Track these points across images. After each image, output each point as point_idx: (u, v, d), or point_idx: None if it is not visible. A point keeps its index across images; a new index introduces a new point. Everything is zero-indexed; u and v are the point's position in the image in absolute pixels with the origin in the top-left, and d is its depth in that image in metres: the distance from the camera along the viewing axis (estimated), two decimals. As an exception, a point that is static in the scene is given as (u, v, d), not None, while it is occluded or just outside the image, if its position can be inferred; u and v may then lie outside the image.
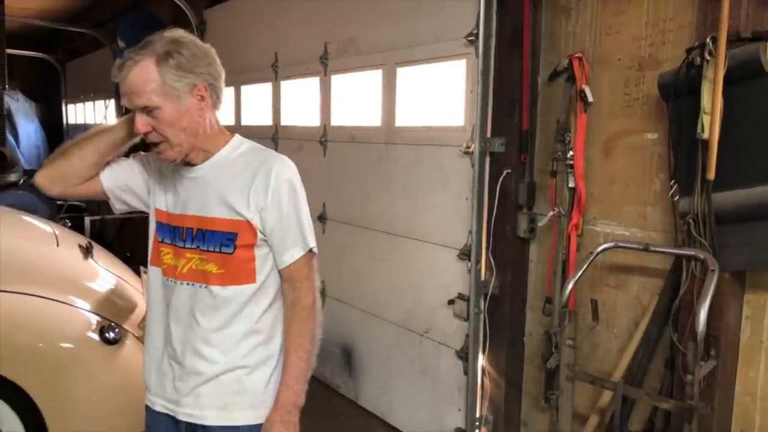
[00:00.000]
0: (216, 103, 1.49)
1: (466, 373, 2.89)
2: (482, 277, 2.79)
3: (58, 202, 5.53)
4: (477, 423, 2.86)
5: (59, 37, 9.07)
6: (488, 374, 2.85)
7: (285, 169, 1.50)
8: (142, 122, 1.42)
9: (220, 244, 1.47)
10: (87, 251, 2.92)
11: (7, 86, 5.39)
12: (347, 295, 3.69)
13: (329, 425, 3.44)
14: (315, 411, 3.51)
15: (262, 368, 1.53)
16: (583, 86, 2.46)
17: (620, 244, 2.27)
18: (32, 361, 2.36)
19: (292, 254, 1.49)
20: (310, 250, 1.52)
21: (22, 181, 4.92)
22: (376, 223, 3.40)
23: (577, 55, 2.47)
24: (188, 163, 1.51)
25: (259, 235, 1.48)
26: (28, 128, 7.77)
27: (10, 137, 6.61)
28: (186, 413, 1.53)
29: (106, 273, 2.87)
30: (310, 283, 1.52)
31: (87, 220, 5.33)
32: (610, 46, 2.43)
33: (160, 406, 1.58)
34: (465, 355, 2.88)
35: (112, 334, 2.44)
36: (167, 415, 1.56)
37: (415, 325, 3.19)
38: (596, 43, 2.48)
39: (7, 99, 6.38)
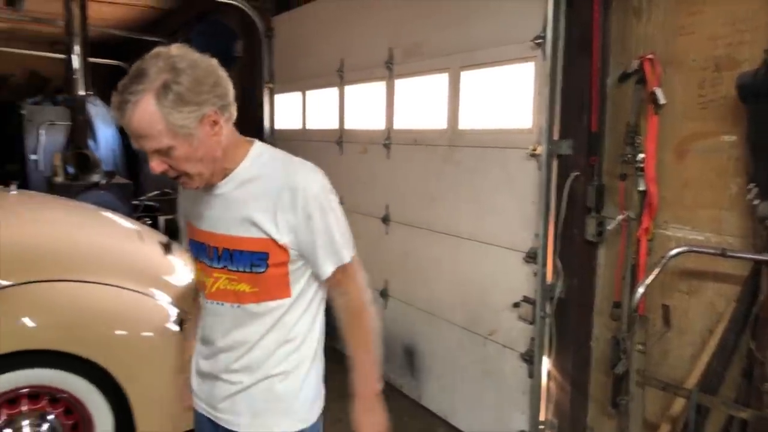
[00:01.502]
0: (230, 118, 1.39)
1: (530, 376, 2.88)
2: (548, 281, 2.78)
3: (134, 202, 5.84)
4: (542, 427, 2.85)
5: (133, 45, 9.55)
6: (553, 378, 2.84)
7: (310, 182, 1.40)
8: (156, 163, 1.33)
9: (251, 264, 1.41)
10: (167, 248, 3.09)
11: (88, 92, 5.73)
12: (410, 296, 3.73)
13: (392, 424, 3.49)
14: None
15: (294, 374, 1.51)
16: (655, 88, 2.42)
17: (694, 249, 2.23)
18: (118, 348, 2.51)
19: (329, 268, 1.45)
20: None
21: (103, 181, 5.23)
22: (440, 225, 3.44)
23: (648, 56, 2.44)
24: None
25: (291, 252, 1.42)
26: (106, 132, 8.17)
27: (89, 141, 6.99)
28: (223, 419, 1.54)
29: (183, 269, 3.02)
30: (357, 283, 1.51)
31: (161, 219, 5.60)
32: (684, 47, 2.38)
33: (201, 408, 1.61)
34: (530, 358, 2.87)
35: (189, 327, 2.58)
36: (208, 418, 1.59)
37: (479, 327, 3.21)
38: (669, 43, 2.43)
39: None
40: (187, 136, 1.31)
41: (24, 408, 2.42)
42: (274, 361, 1.48)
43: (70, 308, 2.54)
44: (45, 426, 2.45)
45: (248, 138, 1.48)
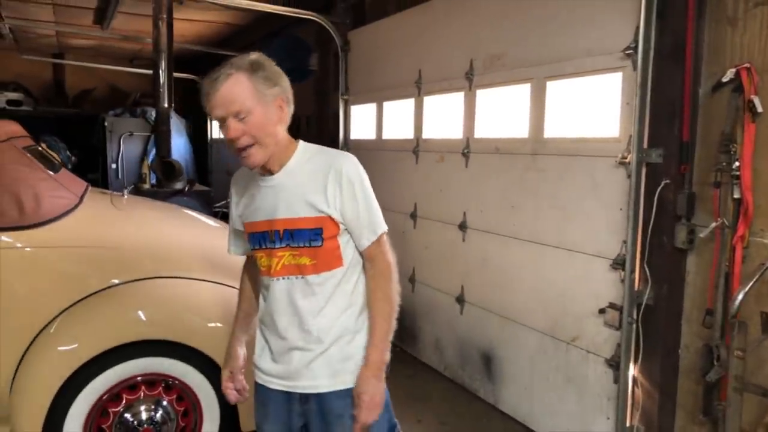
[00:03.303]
0: (288, 115, 1.71)
1: (616, 381, 2.91)
2: (636, 287, 2.81)
3: (213, 209, 6.12)
4: (628, 432, 2.87)
5: (207, 59, 10.00)
6: (640, 384, 2.85)
7: (351, 165, 1.69)
8: (234, 127, 1.59)
9: (309, 240, 1.66)
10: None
11: (172, 105, 6.07)
12: (487, 301, 3.80)
13: (470, 426, 3.56)
14: (454, 412, 3.68)
15: (360, 334, 1.73)
16: (752, 96, 2.44)
17: (796, 256, 2.23)
18: (217, 338, 2.69)
19: (369, 237, 1.70)
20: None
21: (186, 188, 5.52)
22: (521, 232, 3.50)
23: (745, 65, 2.46)
24: (269, 172, 1.70)
25: (341, 225, 1.68)
26: (179, 142, 8.58)
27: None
28: (301, 386, 1.72)
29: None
30: (386, 255, 1.73)
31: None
32: (782, 56, 2.39)
33: (275, 384, 1.76)
34: (615, 364, 2.90)
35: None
36: (282, 391, 1.75)
37: (561, 332, 3.25)
38: (766, 52, 2.45)
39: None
40: (264, 105, 1.61)
41: (141, 394, 2.63)
42: (342, 324, 1.71)
43: (177, 302, 2.75)
44: (160, 411, 2.65)
45: (295, 140, 1.78)
